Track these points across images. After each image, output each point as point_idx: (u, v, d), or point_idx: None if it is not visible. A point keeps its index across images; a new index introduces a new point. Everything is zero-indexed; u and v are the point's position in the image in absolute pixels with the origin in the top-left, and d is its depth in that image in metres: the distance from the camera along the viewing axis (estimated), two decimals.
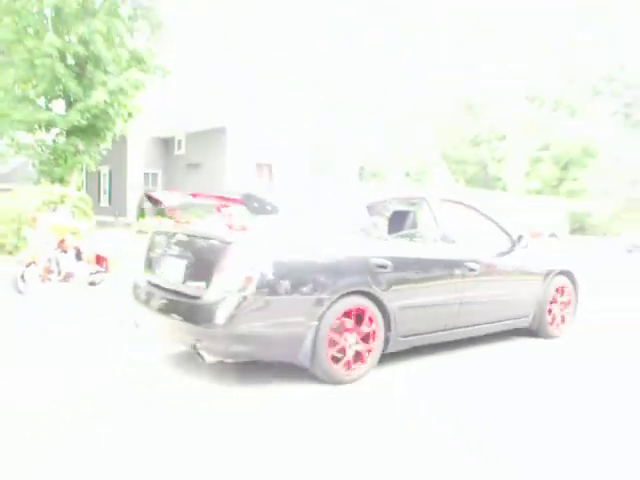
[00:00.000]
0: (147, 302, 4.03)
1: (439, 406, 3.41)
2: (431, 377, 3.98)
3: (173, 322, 3.72)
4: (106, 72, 17.26)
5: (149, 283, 4.16)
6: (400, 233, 4.41)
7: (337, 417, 3.22)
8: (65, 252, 7.02)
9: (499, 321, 4.85)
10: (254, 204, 3.98)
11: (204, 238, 3.83)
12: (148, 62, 18.07)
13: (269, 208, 3.96)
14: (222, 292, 3.45)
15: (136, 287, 4.27)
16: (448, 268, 4.34)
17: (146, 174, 25.12)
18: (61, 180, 17.38)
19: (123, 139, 22.12)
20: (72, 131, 17.61)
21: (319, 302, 3.60)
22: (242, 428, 3.05)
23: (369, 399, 3.53)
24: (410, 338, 4.16)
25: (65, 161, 17.94)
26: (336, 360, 3.70)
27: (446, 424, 3.13)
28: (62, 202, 10.68)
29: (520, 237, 4.99)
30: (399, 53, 28.85)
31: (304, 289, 3.58)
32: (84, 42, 16.73)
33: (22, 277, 6.58)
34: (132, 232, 16.98)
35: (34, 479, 2.51)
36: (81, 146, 17.93)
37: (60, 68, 16.57)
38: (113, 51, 17.17)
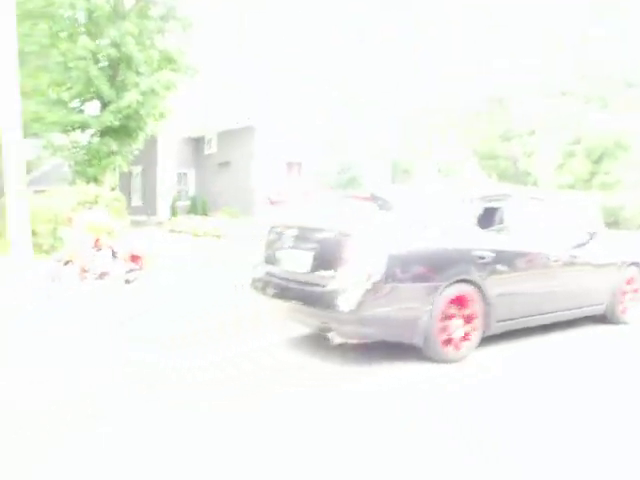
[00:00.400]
0: (268, 291, 4.45)
1: (533, 386, 3.69)
2: (522, 360, 4.30)
3: (299, 308, 4.16)
4: (138, 73, 17.47)
5: (269, 274, 4.57)
6: (491, 228, 4.79)
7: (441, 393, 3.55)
8: (100, 251, 7.19)
9: (578, 308, 5.23)
10: (379, 201, 4.38)
11: (327, 232, 4.22)
12: (179, 62, 18.29)
13: (388, 205, 4.35)
14: (349, 281, 3.86)
15: (255, 279, 4.69)
16: (535, 259, 4.79)
17: (179, 174, 25.33)
18: (95, 180, 17.58)
19: (154, 139, 22.34)
20: (106, 132, 17.89)
21: (432, 289, 4.05)
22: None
23: (471, 377, 3.82)
24: (505, 323, 4.56)
25: (99, 161, 18.19)
26: (445, 341, 4.12)
27: (544, 400, 3.41)
28: (97, 202, 10.79)
29: (596, 231, 5.41)
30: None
31: (420, 278, 4.06)
32: (116, 44, 17.00)
33: (59, 276, 6.77)
34: (164, 231, 17.14)
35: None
36: (114, 146, 18.15)
37: (93, 70, 16.86)
38: (144, 52, 17.40)
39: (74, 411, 3.22)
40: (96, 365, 4.12)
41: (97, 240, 7.20)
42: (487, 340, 4.47)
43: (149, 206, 24.78)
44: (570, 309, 5.15)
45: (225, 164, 23.59)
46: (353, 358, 4.18)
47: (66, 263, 6.88)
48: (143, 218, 22.11)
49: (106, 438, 2.87)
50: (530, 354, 4.47)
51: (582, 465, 2.69)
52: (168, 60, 18.10)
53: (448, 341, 4.14)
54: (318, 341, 4.48)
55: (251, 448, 2.79)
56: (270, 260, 4.67)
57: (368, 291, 3.82)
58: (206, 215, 21.03)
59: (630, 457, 2.80)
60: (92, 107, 18.70)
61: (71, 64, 16.59)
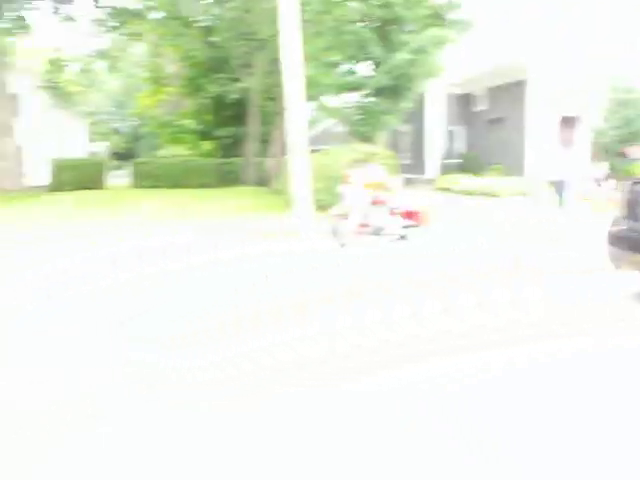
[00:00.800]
0: (626, 245, 4.69)
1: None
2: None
3: None
4: (407, 32, 17.90)
5: (629, 229, 4.80)
6: None
7: None
8: (376, 207, 7.37)
9: None
10: None
11: None
12: (448, 18, 18.60)
13: None
14: None
15: (612, 233, 4.92)
16: None
17: (449, 131, 24.83)
18: (368, 139, 18.05)
19: (422, 97, 22.57)
20: (378, 92, 18.38)
21: None
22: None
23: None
24: None
25: (372, 120, 18.71)
26: None
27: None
28: (371, 160, 10.98)
29: None
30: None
31: None
32: (386, 5, 17.47)
33: (337, 231, 6.96)
34: (434, 189, 17.42)
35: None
36: (386, 106, 18.58)
37: (365, 33, 17.57)
38: (413, 11, 17.79)
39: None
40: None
41: (373, 197, 7.43)
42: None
43: (418, 164, 24.61)
44: None
45: (496, 120, 22.96)
46: None
47: (343, 218, 7.13)
48: (412, 176, 21.78)
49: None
50: None
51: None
52: (437, 17, 18.48)
53: None
54: None
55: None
56: (631, 215, 4.87)
57: None
58: (476, 173, 20.88)
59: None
60: (364, 68, 19.56)
61: (344, 28, 17.41)
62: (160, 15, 22.64)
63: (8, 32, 23.39)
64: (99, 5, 23.12)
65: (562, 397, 3.60)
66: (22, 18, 23.46)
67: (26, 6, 23.28)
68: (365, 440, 2.92)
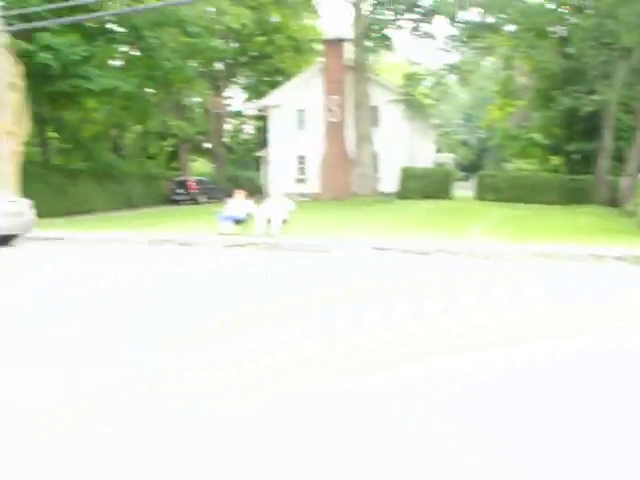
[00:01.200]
0: None
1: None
2: None
3: None
4: None
5: None
6: None
7: None
8: None
9: None
10: None
11: None
12: None
13: None
14: None
15: None
16: None
17: None
18: None
19: None
20: None
21: None
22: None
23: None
24: None
25: None
26: None
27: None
28: None
29: None
30: None
31: None
32: None
33: None
34: None
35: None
36: None
37: None
38: None
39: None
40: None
41: None
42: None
43: None
44: None
45: None
46: None
47: None
48: None
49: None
50: None
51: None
52: None
53: None
54: None
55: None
56: None
57: None
58: None
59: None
60: None
61: None
62: (513, 28, 22.73)
63: (372, 50, 25.16)
64: (456, 21, 23.94)
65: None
66: (386, 37, 25.10)
67: (390, 25, 24.76)
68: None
